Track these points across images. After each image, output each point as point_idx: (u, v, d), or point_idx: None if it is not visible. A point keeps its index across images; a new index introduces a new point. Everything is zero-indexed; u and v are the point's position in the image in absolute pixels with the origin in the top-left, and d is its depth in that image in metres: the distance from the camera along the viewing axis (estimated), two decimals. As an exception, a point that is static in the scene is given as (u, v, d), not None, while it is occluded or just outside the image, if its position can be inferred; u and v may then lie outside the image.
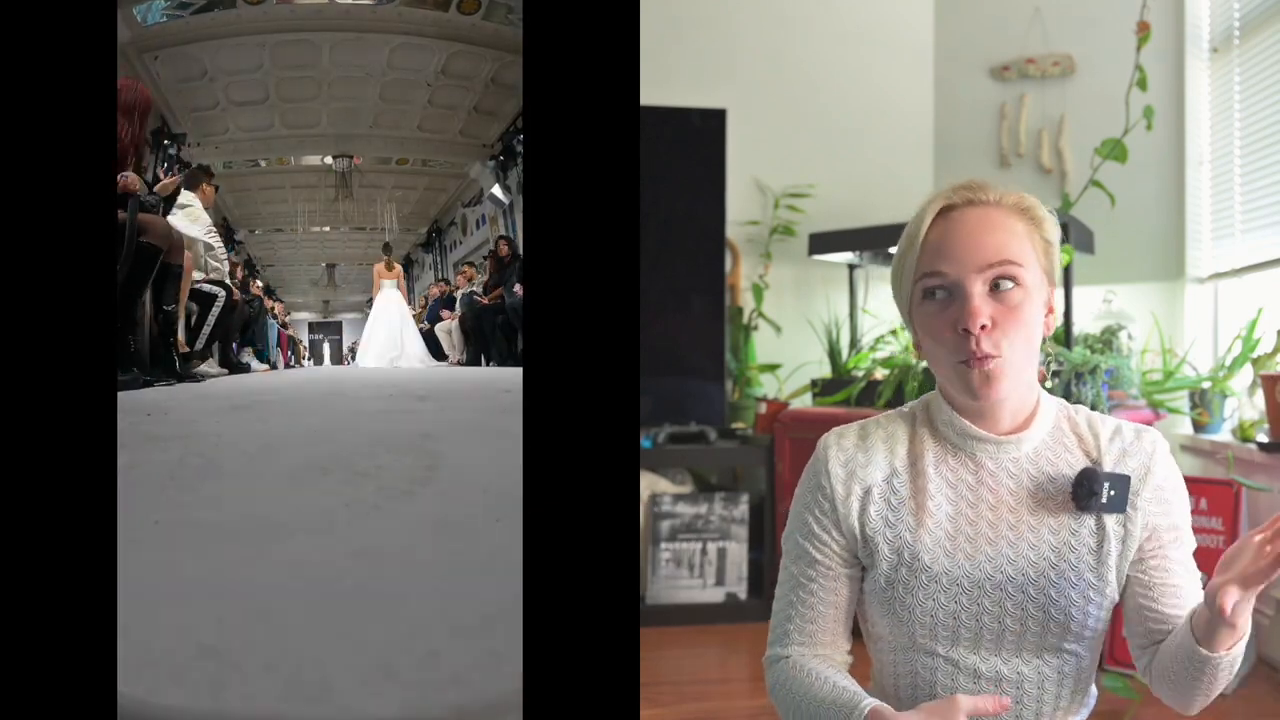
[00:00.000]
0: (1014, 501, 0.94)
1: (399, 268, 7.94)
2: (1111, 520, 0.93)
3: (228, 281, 4.89)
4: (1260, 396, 2.48)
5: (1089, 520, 0.93)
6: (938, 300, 0.92)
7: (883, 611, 0.97)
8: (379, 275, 7.75)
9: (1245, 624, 0.86)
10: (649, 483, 3.09)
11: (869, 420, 1.03)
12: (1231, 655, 0.87)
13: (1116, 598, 0.95)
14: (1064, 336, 2.70)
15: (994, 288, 0.90)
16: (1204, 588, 0.88)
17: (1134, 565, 0.95)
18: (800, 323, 3.43)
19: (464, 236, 8.30)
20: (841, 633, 1.01)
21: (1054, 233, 0.96)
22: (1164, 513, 0.95)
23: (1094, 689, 1.00)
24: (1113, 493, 0.92)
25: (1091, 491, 0.92)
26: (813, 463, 1.01)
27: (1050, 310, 0.96)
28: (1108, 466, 0.94)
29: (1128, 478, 0.93)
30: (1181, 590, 0.95)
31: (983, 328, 0.89)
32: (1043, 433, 0.96)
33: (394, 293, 7.66)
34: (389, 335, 7.38)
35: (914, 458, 0.98)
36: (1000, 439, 0.95)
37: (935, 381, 1.00)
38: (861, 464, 0.98)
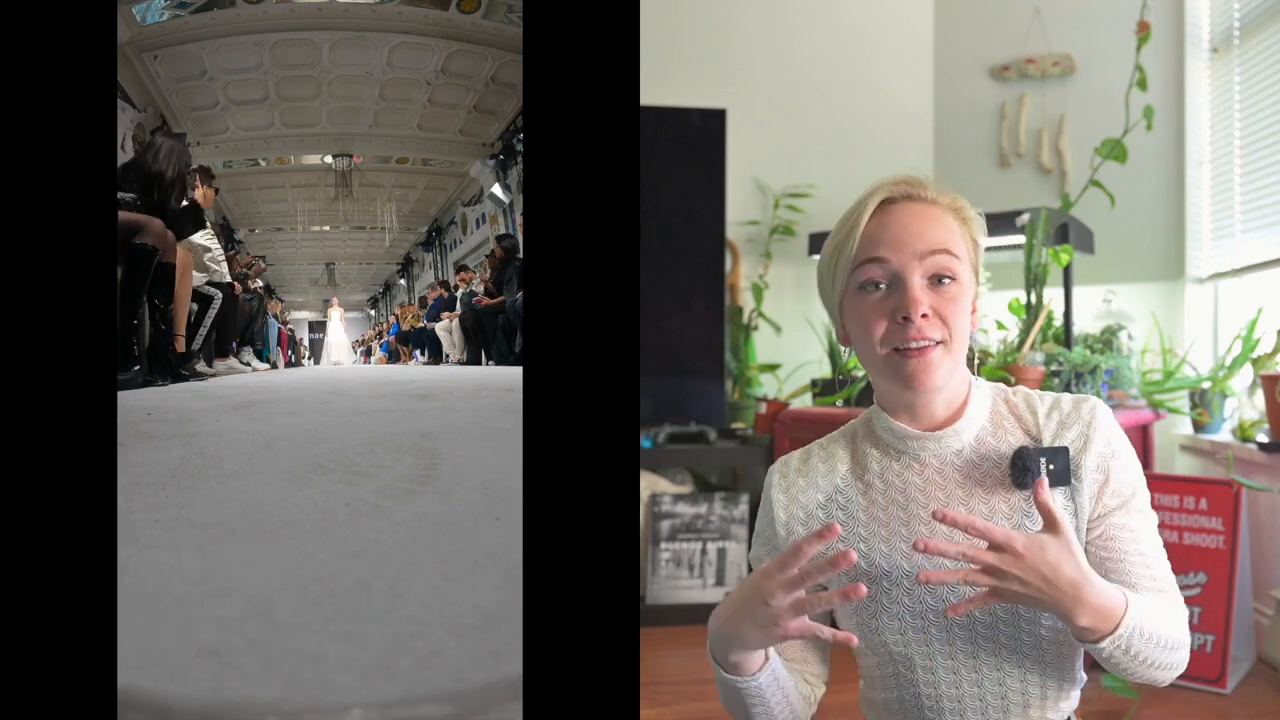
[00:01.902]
0: (963, 494, 0.93)
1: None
2: (1060, 495, 0.91)
3: (228, 280, 4.88)
4: (1260, 396, 2.48)
5: None
6: (878, 291, 0.92)
7: (853, 625, 0.96)
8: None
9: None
10: (649, 483, 3.09)
11: (814, 444, 1.03)
12: (1113, 637, 0.83)
13: None
14: (1064, 336, 2.70)
15: (932, 282, 0.91)
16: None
17: (1090, 540, 0.93)
18: (800, 323, 3.43)
19: (464, 235, 8.30)
20: (807, 655, 1.01)
21: (981, 233, 0.96)
22: (1108, 480, 0.92)
23: (1081, 674, 0.97)
24: (1051, 467, 0.90)
25: (1025, 469, 0.90)
26: (763, 491, 1.02)
27: (974, 309, 0.95)
28: (1047, 441, 0.93)
29: (1066, 450, 0.91)
30: (1127, 561, 0.92)
31: (924, 316, 0.89)
32: (980, 420, 0.95)
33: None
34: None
35: (860, 471, 0.98)
36: (939, 434, 0.94)
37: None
38: (802, 488, 0.99)
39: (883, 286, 0.91)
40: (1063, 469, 0.91)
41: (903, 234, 0.91)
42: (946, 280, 0.90)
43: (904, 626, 0.93)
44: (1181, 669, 0.92)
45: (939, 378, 0.90)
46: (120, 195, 3.49)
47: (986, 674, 0.93)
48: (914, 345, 0.89)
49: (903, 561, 0.93)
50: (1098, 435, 0.92)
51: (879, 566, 0.93)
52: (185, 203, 3.91)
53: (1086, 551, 0.92)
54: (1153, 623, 0.87)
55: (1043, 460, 0.90)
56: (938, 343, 0.90)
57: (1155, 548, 0.94)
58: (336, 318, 9.31)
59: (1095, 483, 0.92)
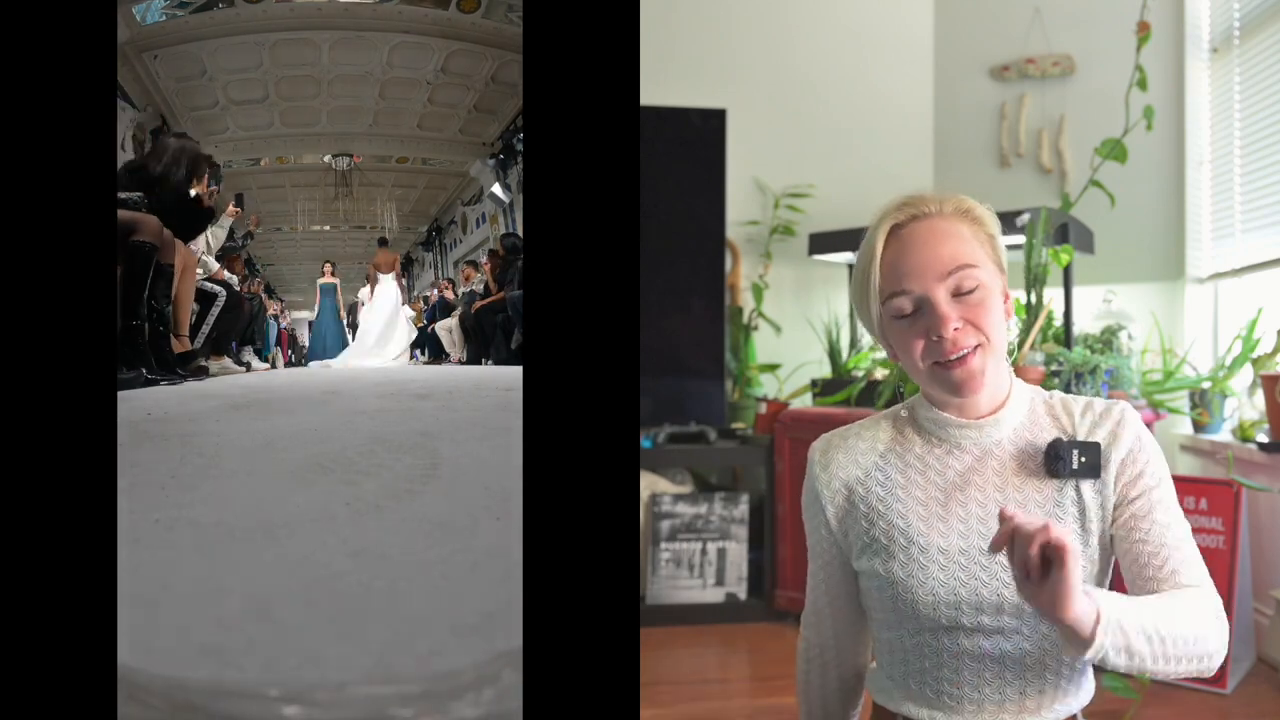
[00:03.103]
0: (999, 480, 0.99)
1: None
2: (1089, 488, 0.97)
3: (216, 276, 4.87)
4: (1260, 396, 2.48)
5: (1070, 491, 0.97)
6: (908, 317, 0.97)
7: (885, 595, 0.99)
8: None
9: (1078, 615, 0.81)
10: (649, 483, 3.09)
11: (854, 424, 1.08)
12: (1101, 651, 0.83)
13: (1102, 568, 0.99)
14: (1064, 336, 2.70)
15: (956, 293, 0.95)
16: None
17: (1117, 529, 0.98)
18: (800, 323, 3.43)
19: (464, 235, 8.30)
20: (856, 616, 1.08)
21: (995, 226, 1.01)
22: (1136, 476, 0.98)
23: (1090, 681, 1.01)
24: (1083, 459, 0.97)
25: (1059, 456, 0.96)
26: (807, 467, 1.08)
27: (1006, 297, 1.00)
28: (1081, 438, 0.99)
29: (1097, 444, 0.98)
30: (1144, 555, 0.95)
31: (956, 329, 0.94)
32: (1020, 414, 1.01)
33: (390, 287, 7.62)
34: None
35: (901, 451, 1.03)
36: (979, 422, 1.00)
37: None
38: (841, 464, 1.04)
39: (911, 312, 0.97)
40: (1093, 462, 0.97)
41: (919, 261, 0.96)
42: (970, 286, 0.96)
43: (936, 600, 0.96)
44: (1210, 659, 0.92)
45: (984, 380, 0.96)
46: (124, 195, 3.49)
47: (1010, 650, 0.96)
48: (952, 357, 0.95)
49: (938, 539, 0.97)
50: (1125, 432, 0.99)
51: (915, 541, 0.98)
52: (193, 196, 3.94)
53: (1117, 542, 0.98)
54: (1148, 623, 0.86)
55: (1075, 451, 0.97)
56: (975, 347, 0.95)
57: (1174, 537, 0.97)
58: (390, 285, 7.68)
59: (1122, 479, 0.98)
